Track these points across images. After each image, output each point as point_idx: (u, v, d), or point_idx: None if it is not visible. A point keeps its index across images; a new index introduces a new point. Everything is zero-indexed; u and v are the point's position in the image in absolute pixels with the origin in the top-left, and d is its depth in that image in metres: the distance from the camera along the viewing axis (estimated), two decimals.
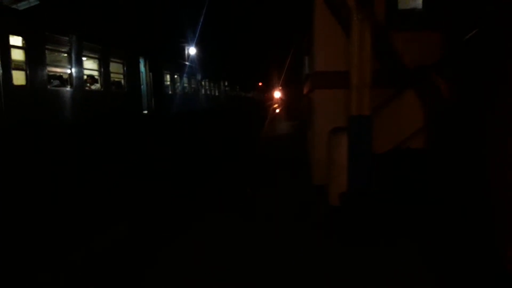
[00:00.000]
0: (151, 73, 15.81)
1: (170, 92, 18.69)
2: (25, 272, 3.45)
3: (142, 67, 15.06)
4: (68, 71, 10.25)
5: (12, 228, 4.62)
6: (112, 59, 12.36)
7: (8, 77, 8.04)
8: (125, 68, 13.23)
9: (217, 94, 30.12)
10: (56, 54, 10.14)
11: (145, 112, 15.20)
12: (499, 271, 3.02)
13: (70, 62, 10.25)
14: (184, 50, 29.95)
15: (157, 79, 16.46)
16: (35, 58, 8.88)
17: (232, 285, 3.07)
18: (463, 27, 4.44)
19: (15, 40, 8.48)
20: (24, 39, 8.63)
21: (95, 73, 11.72)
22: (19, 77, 8.45)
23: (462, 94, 4.54)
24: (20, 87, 8.43)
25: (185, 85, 21.44)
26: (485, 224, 3.43)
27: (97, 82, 11.78)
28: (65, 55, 10.26)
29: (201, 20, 29.27)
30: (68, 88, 10.17)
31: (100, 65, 11.76)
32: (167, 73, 18.39)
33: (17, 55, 8.54)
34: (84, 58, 11.02)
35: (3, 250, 3.96)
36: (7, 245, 4.10)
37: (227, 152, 10.17)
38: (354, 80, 4.33)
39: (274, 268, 3.29)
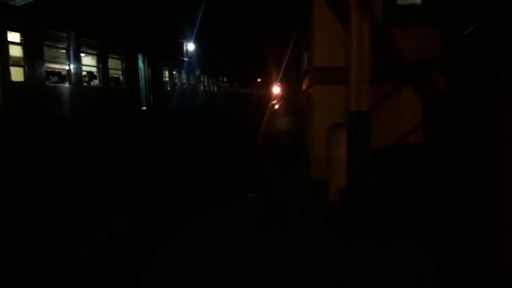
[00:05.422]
0: (149, 69, 15.79)
1: (168, 88, 18.66)
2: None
3: (140, 63, 15.03)
4: (67, 67, 10.22)
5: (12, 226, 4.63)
6: (110, 55, 12.34)
7: (6, 73, 8.03)
8: (123, 64, 13.20)
9: (215, 90, 30.10)
10: (54, 50, 10.11)
11: (144, 108, 15.19)
12: (500, 269, 3.04)
13: (68, 58, 10.22)
14: (182, 46, 29.86)
15: (155, 75, 16.44)
16: (33, 55, 8.86)
17: (232, 277, 3.08)
18: (462, 22, 4.44)
19: (13, 36, 8.46)
20: (22, 35, 8.60)
21: (94, 69, 11.70)
22: (17, 74, 8.44)
23: (461, 89, 4.54)
24: (18, 83, 8.42)
25: (184, 81, 21.41)
26: (485, 220, 3.45)
27: (95, 78, 11.77)
28: (64, 51, 10.23)
29: (200, 16, 29.05)
30: (67, 84, 10.16)
31: (98, 61, 11.73)
32: (165, 69, 18.36)
33: (15, 51, 8.52)
34: (82, 54, 11.00)
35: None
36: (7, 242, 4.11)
37: (225, 148, 10.16)
38: (353, 76, 4.34)
39: (272, 262, 3.31)
